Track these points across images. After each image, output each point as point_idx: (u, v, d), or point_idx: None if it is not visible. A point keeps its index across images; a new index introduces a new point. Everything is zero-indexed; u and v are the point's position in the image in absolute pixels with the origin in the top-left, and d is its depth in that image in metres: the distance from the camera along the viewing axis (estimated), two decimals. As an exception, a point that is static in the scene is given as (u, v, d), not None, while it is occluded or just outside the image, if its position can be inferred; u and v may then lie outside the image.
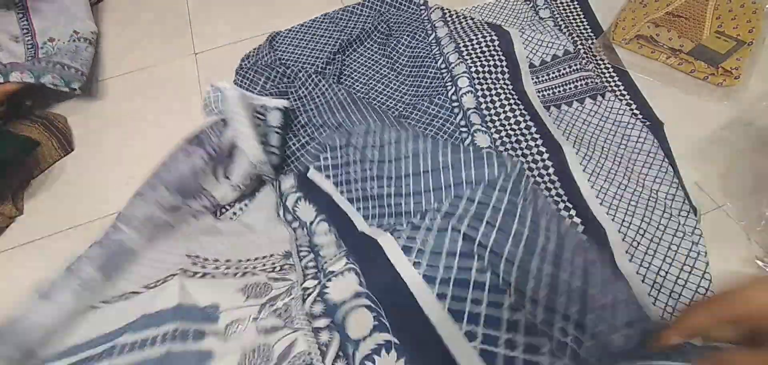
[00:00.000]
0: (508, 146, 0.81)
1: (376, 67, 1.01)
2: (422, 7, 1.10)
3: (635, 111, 0.86)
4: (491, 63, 0.93)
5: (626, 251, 0.66)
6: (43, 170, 0.83)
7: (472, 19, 1.05)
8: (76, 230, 0.75)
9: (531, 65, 0.94)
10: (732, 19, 0.95)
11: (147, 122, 0.91)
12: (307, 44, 1.07)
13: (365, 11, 1.14)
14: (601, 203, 0.72)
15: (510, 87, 0.90)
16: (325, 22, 1.12)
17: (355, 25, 1.10)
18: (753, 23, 0.94)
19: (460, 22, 1.03)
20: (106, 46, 1.07)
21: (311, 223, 0.64)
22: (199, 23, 1.11)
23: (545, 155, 0.79)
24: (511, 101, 0.88)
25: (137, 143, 0.87)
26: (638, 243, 0.67)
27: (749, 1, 0.98)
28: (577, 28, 1.05)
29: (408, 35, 1.03)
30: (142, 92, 0.97)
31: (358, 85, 0.97)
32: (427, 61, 0.98)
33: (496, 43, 0.96)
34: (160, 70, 1.01)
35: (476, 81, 0.89)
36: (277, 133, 0.79)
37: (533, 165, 0.78)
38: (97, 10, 1.15)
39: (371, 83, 0.97)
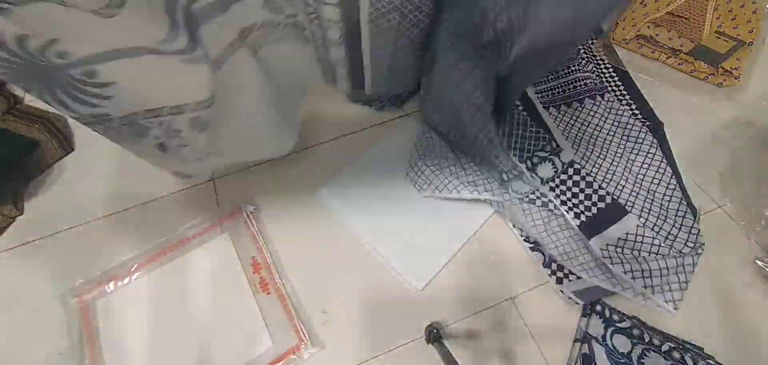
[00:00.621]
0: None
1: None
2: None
3: (635, 111, 0.86)
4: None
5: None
6: (43, 170, 0.83)
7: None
8: (76, 230, 0.75)
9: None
10: (732, 19, 0.95)
11: (147, 122, 0.91)
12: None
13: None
14: (599, 204, 0.72)
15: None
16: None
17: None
18: (753, 23, 0.94)
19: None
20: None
21: None
22: (199, 23, 1.11)
23: (544, 155, 0.79)
24: (511, 101, 0.88)
25: (137, 143, 0.87)
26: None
27: (749, 1, 0.98)
28: (577, 28, 1.04)
29: None
30: (142, 92, 0.97)
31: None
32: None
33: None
34: (160, 71, 1.01)
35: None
36: None
37: (533, 165, 0.78)
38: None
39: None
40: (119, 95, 0.51)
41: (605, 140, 0.81)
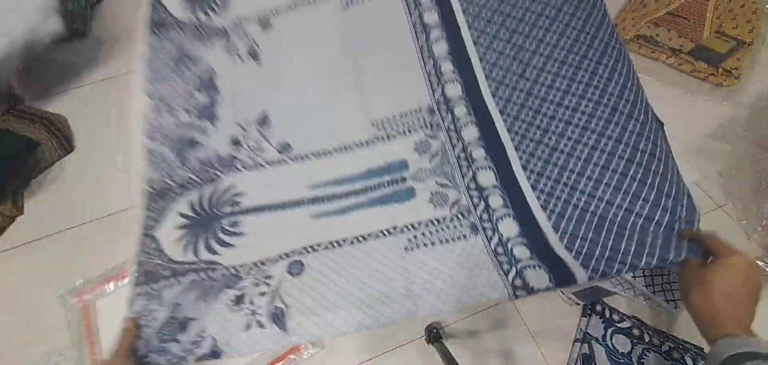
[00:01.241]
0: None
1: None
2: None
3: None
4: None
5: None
6: (43, 170, 0.83)
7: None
8: (76, 230, 0.75)
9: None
10: (732, 19, 0.95)
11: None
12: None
13: None
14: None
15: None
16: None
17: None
18: (753, 23, 0.94)
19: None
20: (106, 46, 1.07)
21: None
22: (199, 23, 1.11)
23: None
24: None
25: (137, 143, 0.87)
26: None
27: (749, 1, 0.98)
28: (577, 28, 1.05)
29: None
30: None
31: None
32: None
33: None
34: (160, 71, 1.01)
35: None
36: None
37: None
38: (98, 10, 1.15)
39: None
40: (241, 245, 0.60)
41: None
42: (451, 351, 0.55)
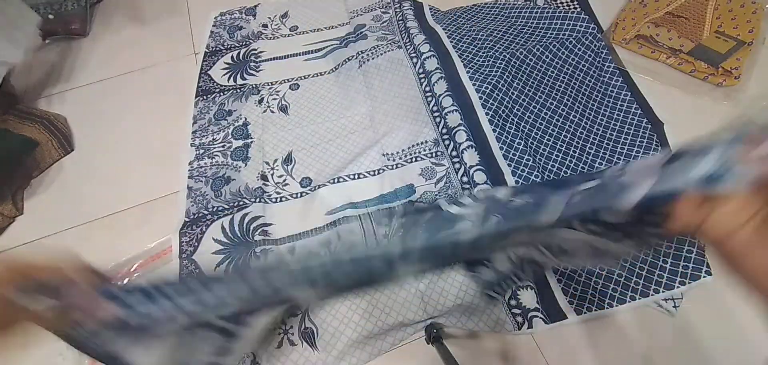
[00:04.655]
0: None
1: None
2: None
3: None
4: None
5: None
6: (43, 170, 0.83)
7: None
8: (76, 230, 0.75)
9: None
10: (732, 19, 0.95)
11: (147, 121, 0.91)
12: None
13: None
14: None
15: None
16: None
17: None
18: (753, 23, 0.93)
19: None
20: (106, 46, 1.07)
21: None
22: (199, 23, 1.11)
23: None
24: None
25: (137, 143, 0.87)
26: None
27: (749, 1, 0.98)
28: (577, 28, 1.04)
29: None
30: (143, 91, 0.97)
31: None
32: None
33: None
34: (160, 70, 1.01)
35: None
36: None
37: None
38: (97, 10, 1.15)
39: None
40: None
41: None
42: (451, 351, 0.55)
